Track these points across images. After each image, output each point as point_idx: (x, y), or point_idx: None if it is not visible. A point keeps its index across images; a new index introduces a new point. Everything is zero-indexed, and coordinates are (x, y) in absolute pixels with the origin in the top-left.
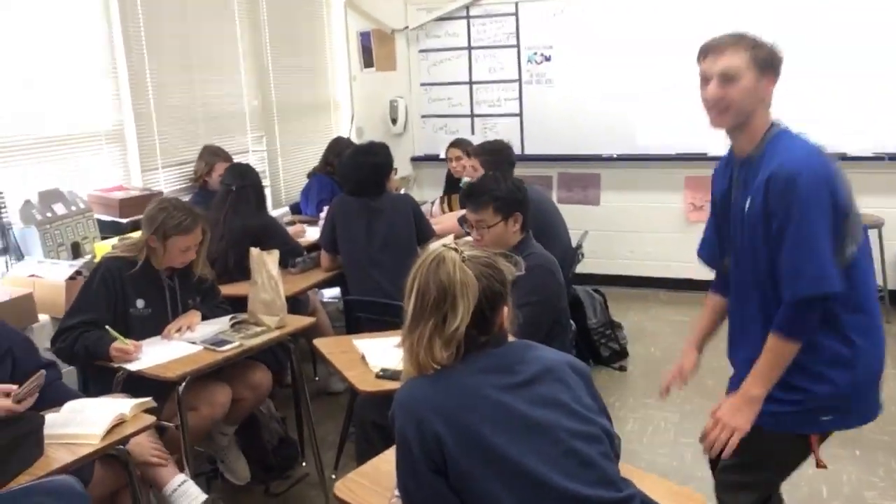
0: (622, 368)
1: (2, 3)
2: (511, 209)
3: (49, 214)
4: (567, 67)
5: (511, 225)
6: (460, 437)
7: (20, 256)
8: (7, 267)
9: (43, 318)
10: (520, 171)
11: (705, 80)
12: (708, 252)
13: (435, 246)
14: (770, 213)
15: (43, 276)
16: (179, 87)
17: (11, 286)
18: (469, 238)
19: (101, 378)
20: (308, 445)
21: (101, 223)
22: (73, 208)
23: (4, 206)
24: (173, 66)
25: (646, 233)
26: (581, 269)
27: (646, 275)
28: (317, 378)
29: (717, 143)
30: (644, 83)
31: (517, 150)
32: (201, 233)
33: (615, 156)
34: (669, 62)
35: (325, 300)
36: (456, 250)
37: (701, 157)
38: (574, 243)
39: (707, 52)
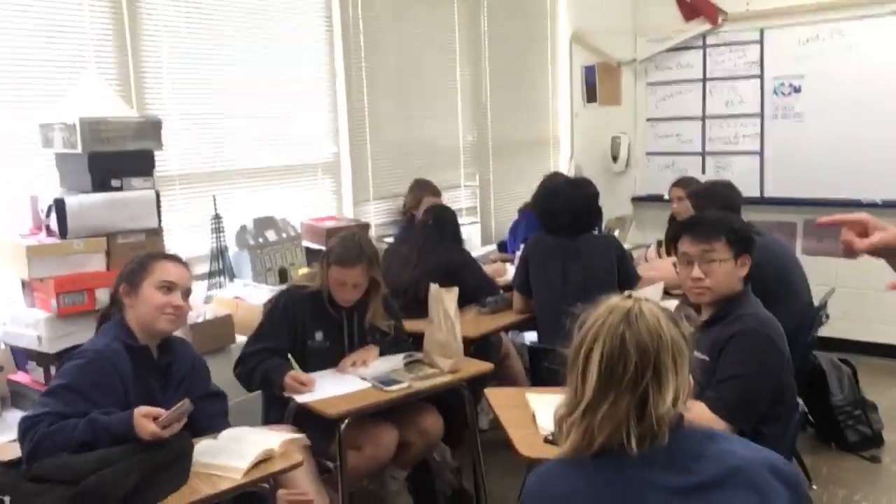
0: (874, 459)
1: (231, 40)
2: (743, 248)
3: (261, 240)
4: (821, 98)
5: (739, 268)
6: None
7: (232, 278)
8: (220, 287)
9: (241, 339)
10: (759, 216)
11: None
12: None
13: (613, 299)
14: None
15: (245, 299)
16: (395, 122)
17: (217, 306)
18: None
19: (280, 408)
20: (483, 500)
21: (309, 251)
22: (284, 235)
23: (223, 231)
24: (391, 100)
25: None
26: (827, 332)
27: None
28: None
29: None
30: None
31: (755, 193)
32: (362, 276)
33: (879, 202)
34: None
35: (526, 343)
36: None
37: None
38: (817, 302)
39: None
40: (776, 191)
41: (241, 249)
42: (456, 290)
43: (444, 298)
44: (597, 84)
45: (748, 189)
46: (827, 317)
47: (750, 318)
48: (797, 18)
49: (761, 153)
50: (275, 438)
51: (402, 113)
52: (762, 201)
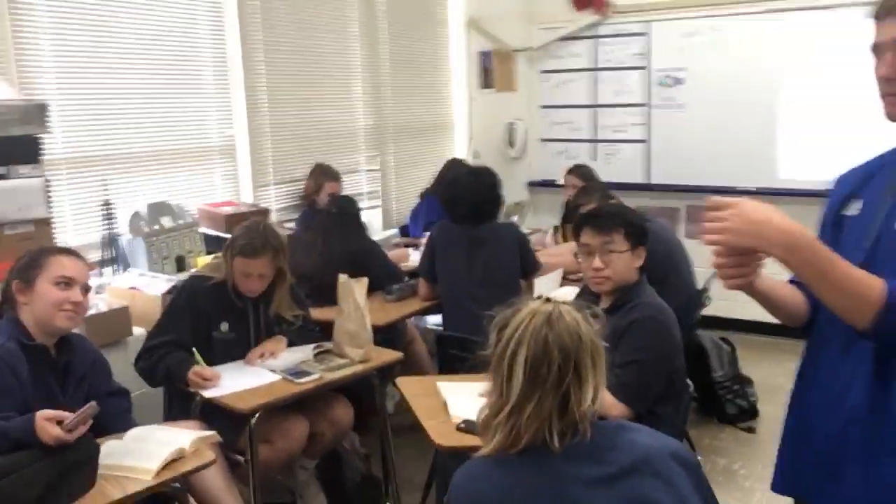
0: (750, 430)
1: (120, 19)
2: (639, 240)
3: (156, 227)
4: (701, 91)
5: (635, 259)
6: None
7: (126, 267)
8: (112, 276)
9: (138, 331)
10: (645, 201)
11: (880, 50)
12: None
13: (533, 303)
14: None
15: (142, 289)
16: (294, 104)
17: (112, 297)
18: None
19: (183, 402)
20: (392, 485)
21: (208, 238)
22: (181, 222)
23: (114, 217)
24: (289, 82)
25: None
26: (709, 312)
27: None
28: None
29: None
30: (788, 110)
31: (642, 179)
32: (268, 266)
33: (753, 189)
34: (818, 86)
35: (428, 326)
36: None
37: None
38: (701, 284)
39: (888, 11)
40: (661, 177)
41: (134, 237)
42: (366, 280)
43: (353, 289)
44: (493, 70)
45: (635, 175)
46: (709, 299)
47: (647, 306)
48: (680, 13)
49: (647, 141)
50: (185, 437)
51: (301, 95)
52: (648, 187)
